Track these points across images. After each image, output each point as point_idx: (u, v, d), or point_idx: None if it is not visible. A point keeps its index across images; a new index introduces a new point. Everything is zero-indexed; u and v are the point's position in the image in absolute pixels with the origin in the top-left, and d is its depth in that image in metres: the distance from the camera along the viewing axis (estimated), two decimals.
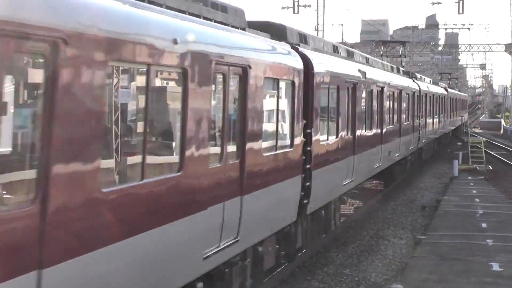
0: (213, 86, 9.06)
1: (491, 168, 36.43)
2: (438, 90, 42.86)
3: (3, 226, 5.47)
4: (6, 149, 5.79)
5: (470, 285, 13.15)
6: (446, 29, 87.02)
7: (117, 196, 6.87)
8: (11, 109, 5.77)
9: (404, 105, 27.04)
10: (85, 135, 6.35)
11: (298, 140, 12.85)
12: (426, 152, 38.14)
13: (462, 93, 72.27)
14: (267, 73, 11.12)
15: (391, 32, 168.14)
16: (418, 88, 31.58)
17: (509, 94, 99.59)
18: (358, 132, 17.91)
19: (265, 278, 12.92)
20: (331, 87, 15.22)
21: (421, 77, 38.95)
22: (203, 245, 8.91)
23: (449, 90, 50.25)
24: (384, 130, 22.21)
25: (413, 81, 31.67)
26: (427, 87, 36.41)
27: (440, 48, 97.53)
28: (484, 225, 19.54)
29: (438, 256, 15.35)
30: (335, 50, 17.65)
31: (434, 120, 39.25)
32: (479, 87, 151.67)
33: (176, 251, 8.22)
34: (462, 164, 35.69)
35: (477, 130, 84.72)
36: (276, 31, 13.32)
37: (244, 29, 11.24)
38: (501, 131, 78.63)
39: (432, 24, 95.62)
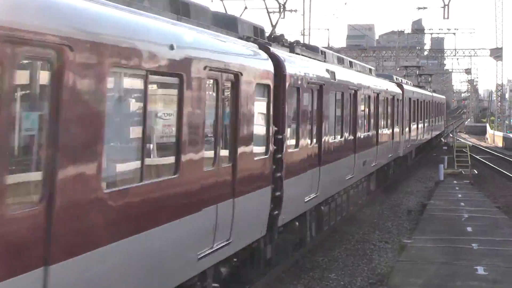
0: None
1: (476, 172, 36.60)
2: (380, 84, 25.22)
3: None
4: None
5: None
6: (431, 33, 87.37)
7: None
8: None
9: (207, 112, 9.72)
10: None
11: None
12: (340, 211, 19.16)
13: (435, 94, 51.47)
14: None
15: (377, 37, 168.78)
16: (300, 74, 14.13)
17: (494, 98, 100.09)
18: None
19: (251, 283, 12.90)
20: None
21: (349, 62, 22.21)
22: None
23: (406, 87, 32.85)
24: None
25: (291, 53, 14.97)
26: (340, 74, 18.09)
27: (425, 53, 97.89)
28: (469, 229, 19.61)
29: (424, 260, 15.37)
30: None
31: (368, 139, 22.23)
32: (465, 92, 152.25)
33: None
34: (448, 169, 35.85)
35: (463, 135, 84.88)
36: None
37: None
38: (487, 139, 75.20)
39: (418, 28, 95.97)
